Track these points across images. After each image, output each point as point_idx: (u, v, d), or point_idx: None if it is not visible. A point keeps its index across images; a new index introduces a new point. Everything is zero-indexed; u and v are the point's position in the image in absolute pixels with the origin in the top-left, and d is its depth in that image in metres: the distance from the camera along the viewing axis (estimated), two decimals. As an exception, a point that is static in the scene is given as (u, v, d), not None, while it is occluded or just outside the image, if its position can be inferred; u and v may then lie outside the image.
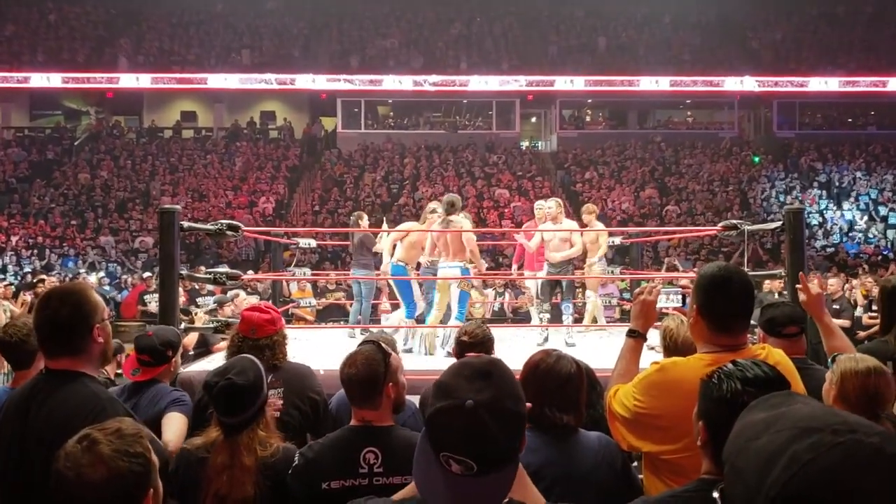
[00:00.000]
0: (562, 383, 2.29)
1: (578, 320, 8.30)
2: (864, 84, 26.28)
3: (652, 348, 3.98)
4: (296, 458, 2.36)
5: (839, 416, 0.90)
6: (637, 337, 2.56)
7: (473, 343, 3.22)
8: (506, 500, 1.41)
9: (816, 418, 0.89)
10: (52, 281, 11.17)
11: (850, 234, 20.88)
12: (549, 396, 2.26)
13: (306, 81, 26.39)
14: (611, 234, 8.72)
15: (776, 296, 9.04)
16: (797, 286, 3.12)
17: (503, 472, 1.36)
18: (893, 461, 0.82)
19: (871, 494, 0.80)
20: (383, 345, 2.51)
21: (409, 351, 6.56)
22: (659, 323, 3.18)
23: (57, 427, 1.94)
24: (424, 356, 6.37)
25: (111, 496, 1.48)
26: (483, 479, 1.33)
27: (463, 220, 6.76)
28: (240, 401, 2.43)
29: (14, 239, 19.15)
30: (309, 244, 9.13)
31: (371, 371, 2.34)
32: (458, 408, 1.33)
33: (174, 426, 2.97)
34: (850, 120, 28.21)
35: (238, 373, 2.46)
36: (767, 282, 9.51)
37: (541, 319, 7.27)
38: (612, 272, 8.23)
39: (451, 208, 6.73)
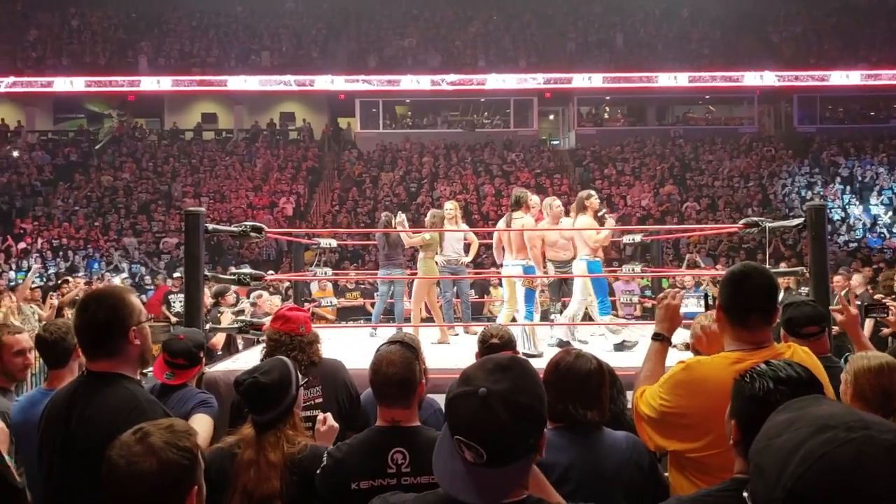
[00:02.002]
0: (583, 380, 2.33)
1: (588, 318, 8.24)
2: (887, 77, 25.96)
3: (674, 346, 3.99)
4: (324, 458, 2.39)
5: (856, 414, 0.93)
6: (662, 340, 2.60)
7: (503, 345, 3.25)
8: (524, 496, 1.45)
9: (834, 416, 0.92)
10: (77, 282, 11.34)
11: (874, 229, 20.65)
12: (572, 394, 2.31)
13: (325, 82, 26.53)
14: (629, 232, 8.68)
15: (790, 293, 8.98)
16: (832, 308, 3.12)
17: (513, 466, 1.42)
18: None
19: (882, 488, 0.83)
20: (412, 344, 2.57)
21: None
22: (690, 320, 3.21)
23: (98, 432, 1.99)
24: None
25: (160, 485, 1.55)
26: (494, 470, 1.40)
27: (526, 218, 6.69)
28: (265, 399, 2.50)
29: (39, 241, 19.43)
30: (330, 244, 9.20)
31: (409, 371, 2.39)
32: (472, 394, 1.43)
33: (199, 428, 3.02)
34: (872, 113, 27.81)
35: (265, 372, 2.55)
36: (784, 279, 9.44)
37: (552, 319, 7.23)
38: (634, 270, 8.19)
39: (515, 205, 6.69)
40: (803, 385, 1.64)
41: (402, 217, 7.88)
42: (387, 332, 5.90)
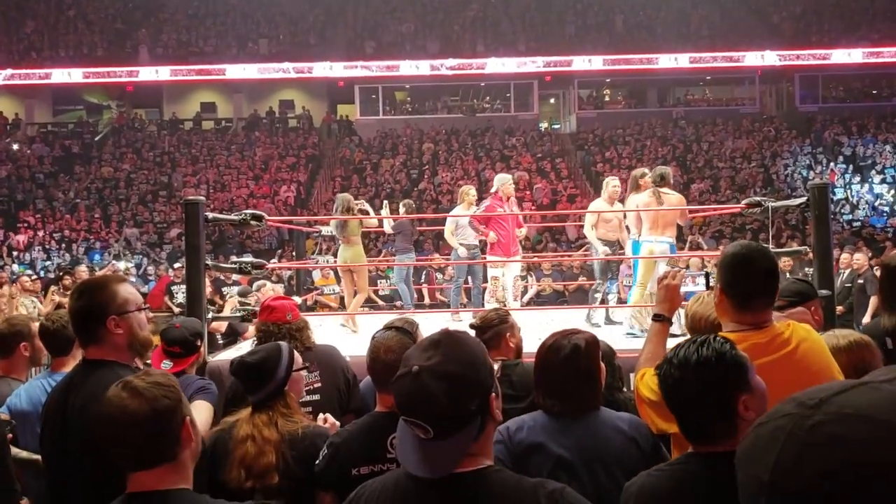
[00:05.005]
0: (565, 362, 2.29)
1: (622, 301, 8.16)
2: (888, 55, 25.76)
3: (675, 336, 3.98)
4: (325, 447, 2.41)
5: (824, 390, 0.84)
6: (663, 321, 2.58)
7: (483, 327, 3.18)
8: (484, 464, 1.50)
9: (808, 394, 0.84)
10: (81, 271, 11.33)
11: (877, 208, 20.58)
12: (560, 377, 2.30)
13: (323, 69, 26.41)
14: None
15: (787, 275, 8.96)
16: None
17: (459, 436, 1.46)
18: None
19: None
20: (409, 329, 2.59)
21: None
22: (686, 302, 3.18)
23: (91, 415, 2.03)
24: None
25: (153, 420, 1.67)
26: (441, 443, 1.45)
27: (673, 194, 6.45)
28: (250, 378, 2.56)
29: (41, 234, 19.44)
30: (331, 232, 9.18)
31: None
32: (407, 374, 1.48)
33: (199, 415, 3.04)
34: (874, 92, 27.67)
35: (252, 353, 2.64)
36: (785, 259, 9.38)
37: (595, 300, 7.18)
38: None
39: (661, 181, 6.51)
40: (705, 368, 1.67)
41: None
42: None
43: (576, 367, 2.29)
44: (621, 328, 6.67)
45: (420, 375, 1.46)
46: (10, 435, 2.96)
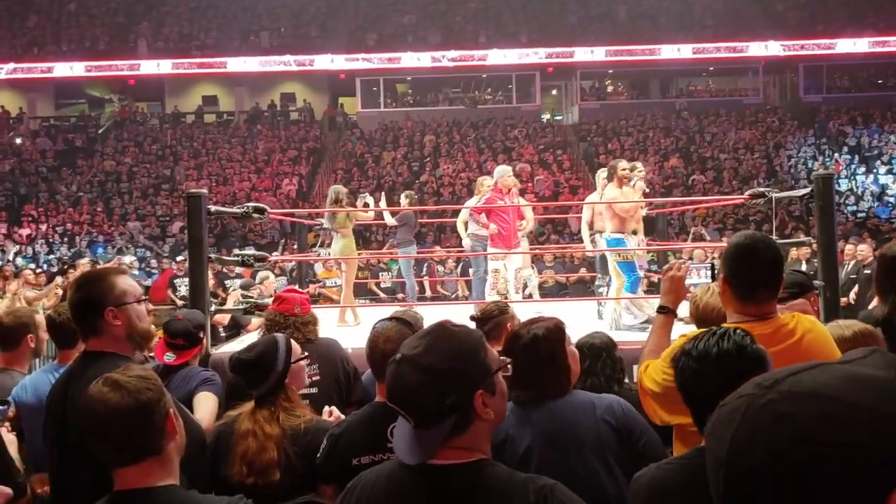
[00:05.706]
0: (521, 352, 2.28)
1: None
2: (894, 44, 25.59)
3: (681, 320, 3.96)
4: (325, 439, 2.40)
5: (784, 371, 0.80)
6: (667, 313, 2.57)
7: (483, 318, 3.22)
8: (473, 458, 1.47)
9: (768, 375, 0.84)
10: (83, 264, 11.35)
11: (882, 199, 20.49)
12: (518, 367, 2.25)
13: (325, 62, 26.32)
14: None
15: (804, 264, 8.93)
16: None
17: (440, 427, 1.43)
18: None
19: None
20: (409, 320, 2.60)
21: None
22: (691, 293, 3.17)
23: None
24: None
25: (136, 413, 1.65)
26: (423, 432, 1.44)
27: (610, 190, 6.35)
28: (248, 373, 2.55)
29: (44, 227, 19.46)
30: (325, 224, 9.16)
31: None
32: (391, 361, 1.51)
33: (205, 406, 3.06)
34: (880, 81, 27.46)
35: (249, 348, 2.63)
36: (794, 250, 9.35)
37: (600, 293, 7.13)
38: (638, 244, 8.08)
39: (606, 178, 6.44)
40: (725, 362, 1.68)
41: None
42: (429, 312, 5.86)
43: (536, 354, 2.28)
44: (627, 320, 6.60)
45: (400, 363, 1.46)
46: (8, 424, 2.96)
